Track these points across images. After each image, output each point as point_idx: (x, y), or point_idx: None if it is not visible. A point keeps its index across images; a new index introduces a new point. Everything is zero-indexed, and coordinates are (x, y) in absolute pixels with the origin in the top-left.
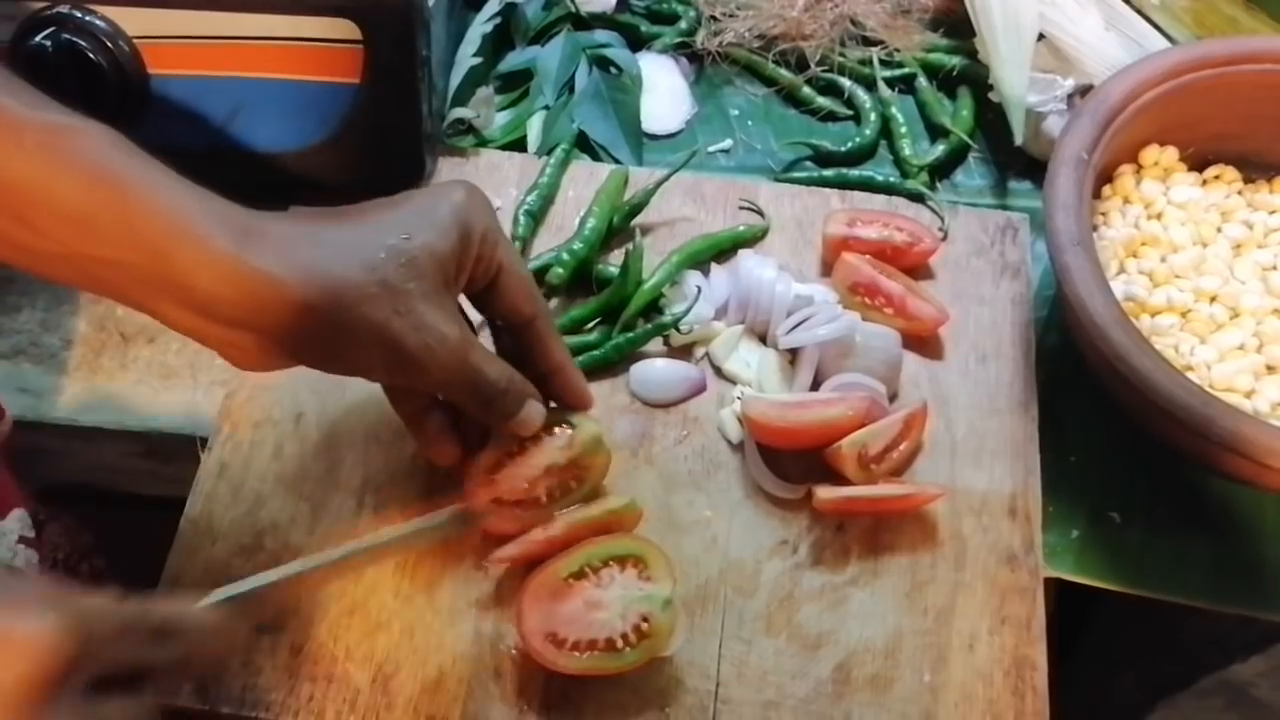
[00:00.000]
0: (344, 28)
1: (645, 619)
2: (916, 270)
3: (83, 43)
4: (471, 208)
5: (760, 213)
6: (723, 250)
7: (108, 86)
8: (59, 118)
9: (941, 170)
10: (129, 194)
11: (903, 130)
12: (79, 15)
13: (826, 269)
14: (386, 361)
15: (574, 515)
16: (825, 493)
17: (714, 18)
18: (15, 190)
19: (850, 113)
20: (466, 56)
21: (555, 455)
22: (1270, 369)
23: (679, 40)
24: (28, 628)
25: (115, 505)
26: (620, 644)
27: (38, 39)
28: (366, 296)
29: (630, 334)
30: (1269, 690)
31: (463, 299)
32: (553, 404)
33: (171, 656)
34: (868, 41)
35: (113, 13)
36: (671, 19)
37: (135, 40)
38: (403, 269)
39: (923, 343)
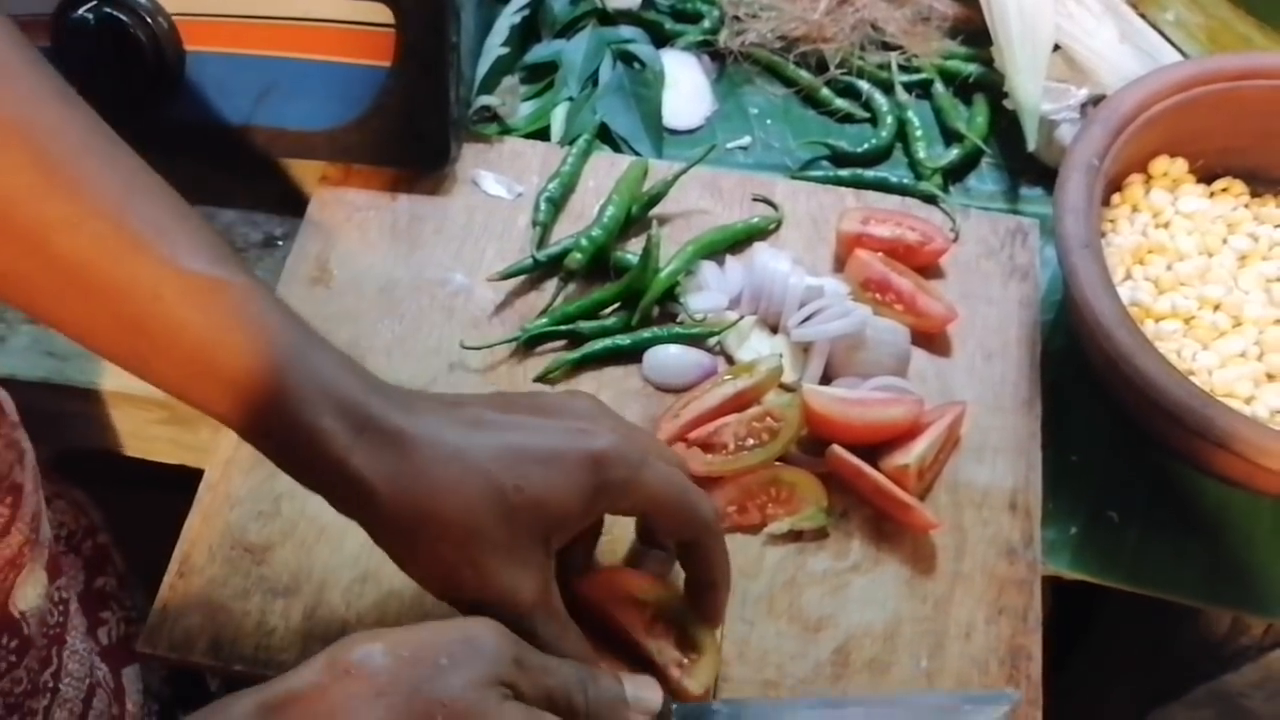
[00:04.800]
0: (377, 11)
1: (770, 415)
2: (927, 269)
3: (123, 17)
4: (612, 463)
5: (773, 205)
6: (738, 242)
7: (145, 60)
8: (220, 272)
9: (955, 174)
10: (277, 361)
11: (918, 134)
12: None
13: (839, 265)
14: (444, 592)
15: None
16: (840, 451)
17: (737, 18)
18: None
19: (867, 115)
20: (494, 46)
21: (741, 386)
22: (1270, 376)
23: (702, 39)
24: (484, 631)
25: (125, 482)
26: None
27: (80, 12)
28: (448, 536)
29: (654, 330)
30: (1261, 701)
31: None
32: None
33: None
34: (887, 46)
35: None
36: (695, 18)
37: (174, 16)
38: (497, 519)
39: (931, 339)
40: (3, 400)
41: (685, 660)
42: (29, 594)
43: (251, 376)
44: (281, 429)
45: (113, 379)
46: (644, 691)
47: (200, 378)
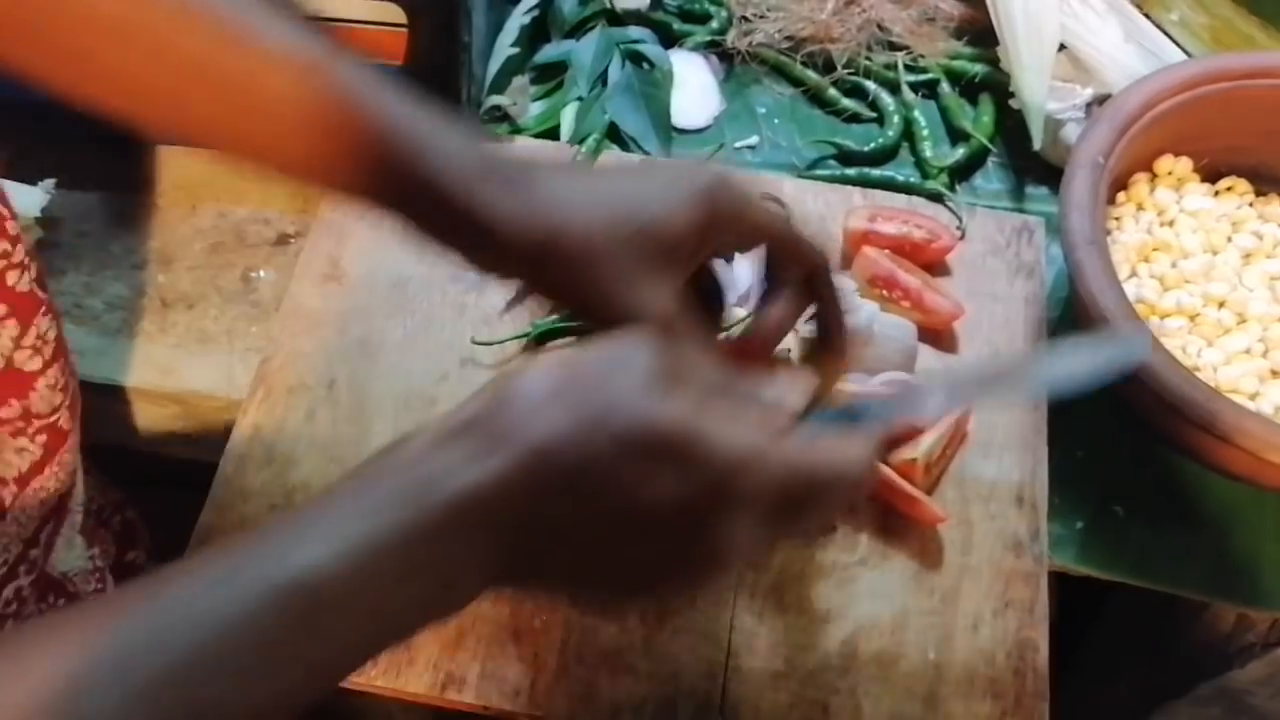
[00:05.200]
0: (390, 11)
1: None
2: (934, 267)
3: None
4: (725, 190)
5: (781, 203)
6: None
7: None
8: (327, 53)
9: (961, 173)
10: (400, 123)
11: (924, 133)
12: None
13: (846, 262)
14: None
15: None
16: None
17: (745, 18)
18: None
19: (874, 115)
20: (504, 46)
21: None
22: (1275, 373)
23: (710, 39)
24: (636, 337)
25: (140, 480)
26: None
27: None
28: (574, 263)
29: None
30: (1266, 699)
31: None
32: None
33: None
34: (894, 47)
35: None
36: (703, 18)
37: None
38: (620, 244)
39: (937, 336)
40: (72, 352)
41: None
42: (69, 557)
43: (379, 140)
44: (412, 184)
45: (129, 375)
46: (789, 391)
47: (328, 155)
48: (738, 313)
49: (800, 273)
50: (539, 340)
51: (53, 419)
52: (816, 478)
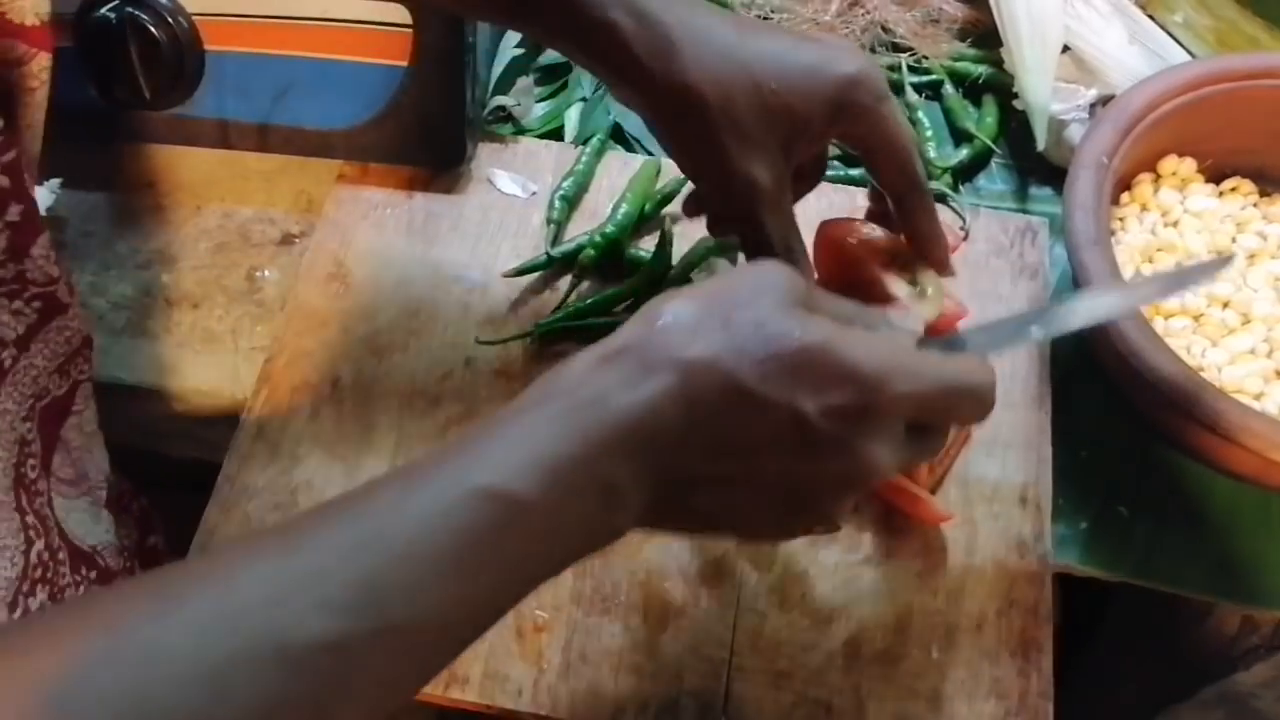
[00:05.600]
0: (395, 11)
1: None
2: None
3: (144, 16)
4: (861, 86)
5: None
6: None
7: (166, 60)
8: None
9: (965, 174)
10: None
11: (928, 134)
12: None
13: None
14: (695, 171)
15: None
16: None
17: None
18: None
19: None
20: (509, 47)
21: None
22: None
23: None
24: (765, 266)
25: (146, 476)
26: None
27: (102, 11)
28: (708, 120)
29: None
30: (1271, 701)
31: None
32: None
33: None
34: (897, 48)
35: None
36: None
37: (194, 16)
38: (751, 112)
39: (949, 329)
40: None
41: (916, 293)
42: (96, 530)
43: None
44: (578, 28)
45: (134, 374)
46: (908, 318)
47: None
48: None
49: (901, 187)
50: (543, 340)
51: (50, 288)
52: (953, 389)
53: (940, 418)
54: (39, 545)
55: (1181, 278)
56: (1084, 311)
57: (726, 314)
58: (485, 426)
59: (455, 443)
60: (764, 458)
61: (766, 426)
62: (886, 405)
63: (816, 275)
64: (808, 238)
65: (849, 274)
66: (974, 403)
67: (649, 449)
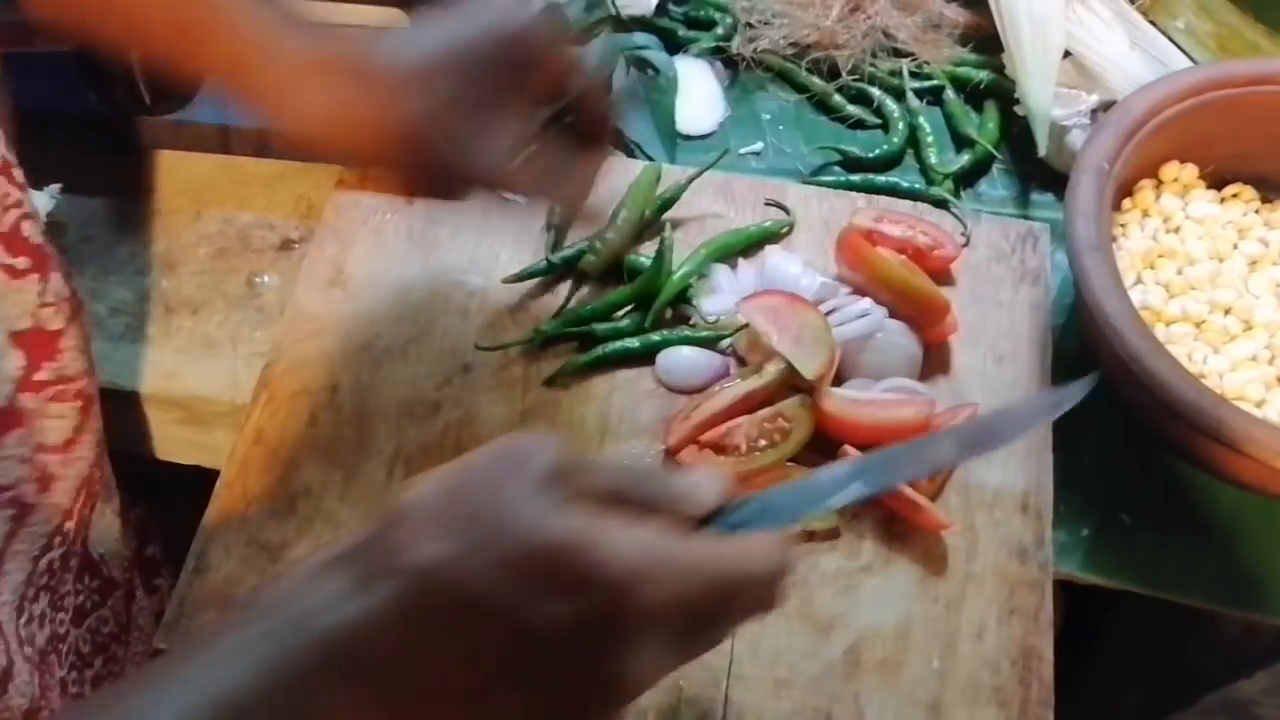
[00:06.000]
0: (393, 17)
1: (782, 416)
2: (937, 274)
3: None
4: (520, 38)
5: (785, 209)
6: (750, 245)
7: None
8: None
9: (966, 179)
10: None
11: (929, 140)
12: None
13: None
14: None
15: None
16: (852, 451)
17: (750, 25)
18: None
19: (879, 121)
20: None
21: (751, 387)
22: None
23: (715, 45)
24: (522, 443)
25: (146, 482)
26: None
27: None
28: (408, 102)
29: (665, 333)
30: (1273, 709)
31: None
32: None
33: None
34: (899, 53)
35: None
36: (708, 24)
37: None
38: (434, 103)
39: (941, 344)
40: (85, 310)
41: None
42: (107, 538)
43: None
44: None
45: (134, 380)
46: (702, 487)
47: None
48: (741, 318)
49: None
50: (542, 346)
51: (81, 383)
52: (726, 582)
53: (714, 613)
54: (54, 554)
55: (987, 435)
56: (912, 466)
57: (467, 506)
58: (183, 653)
59: (150, 671)
60: (504, 676)
61: (503, 644)
62: (639, 611)
63: (841, 274)
64: (819, 241)
65: (868, 273)
66: (754, 593)
67: (364, 672)
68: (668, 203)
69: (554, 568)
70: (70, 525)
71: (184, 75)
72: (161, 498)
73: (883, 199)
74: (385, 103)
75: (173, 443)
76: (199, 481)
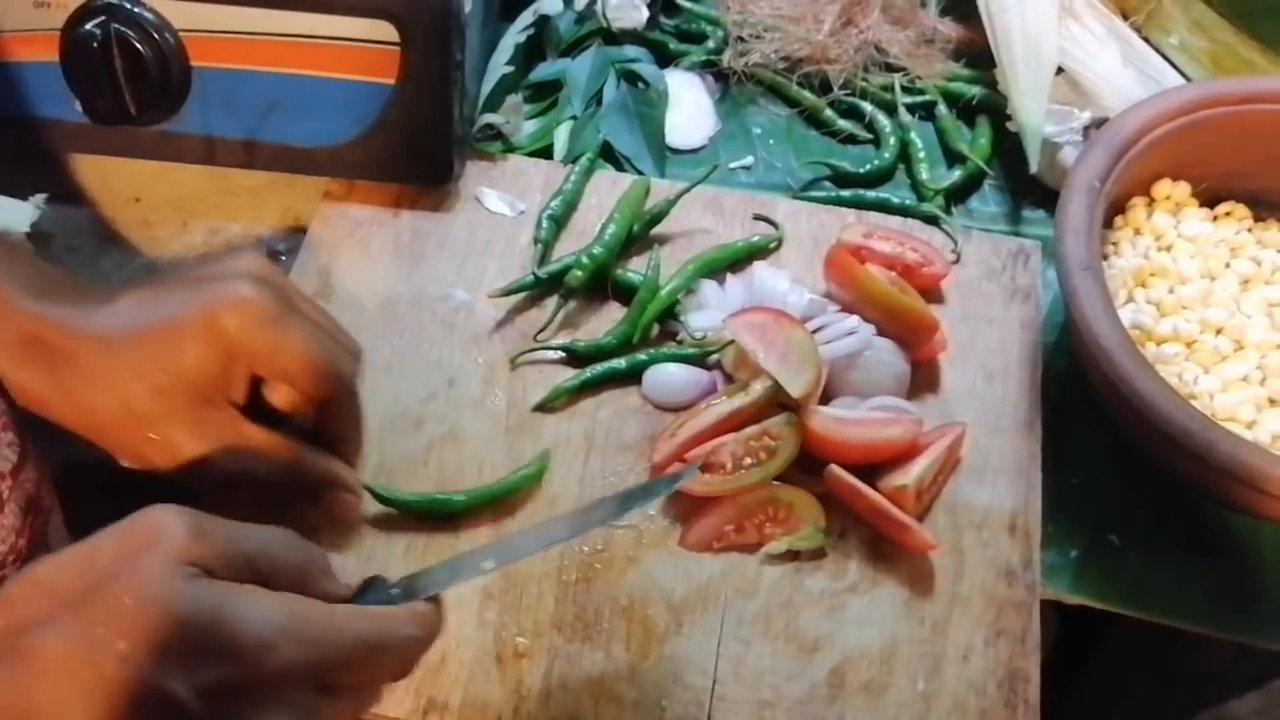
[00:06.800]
0: (382, 29)
1: (768, 434)
2: (927, 292)
3: (130, 32)
4: (240, 328)
5: (774, 224)
6: (738, 260)
7: (152, 75)
8: None
9: (957, 195)
10: None
11: (921, 155)
12: (128, 6)
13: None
14: (156, 470)
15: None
16: (838, 471)
17: (741, 38)
18: None
19: (870, 136)
20: (499, 65)
21: (738, 404)
22: (1272, 401)
23: (706, 59)
24: (154, 515)
25: (130, 492)
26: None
27: (88, 26)
28: (118, 427)
29: (650, 352)
30: None
31: None
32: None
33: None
34: (890, 68)
35: (160, 5)
36: (699, 38)
37: (180, 32)
38: (154, 401)
39: (930, 362)
40: None
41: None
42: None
43: None
44: None
45: None
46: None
47: None
48: (728, 334)
49: (321, 394)
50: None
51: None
52: (364, 647)
53: (355, 678)
54: (6, 570)
55: (630, 499)
56: (534, 543)
57: (99, 579)
58: None
59: None
60: None
61: (136, 714)
62: (274, 675)
63: (830, 291)
64: (808, 256)
65: (856, 290)
66: (394, 659)
67: None
68: (656, 217)
69: (188, 639)
70: (22, 543)
71: None
72: (139, 507)
73: (873, 215)
74: (87, 381)
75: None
76: (185, 492)
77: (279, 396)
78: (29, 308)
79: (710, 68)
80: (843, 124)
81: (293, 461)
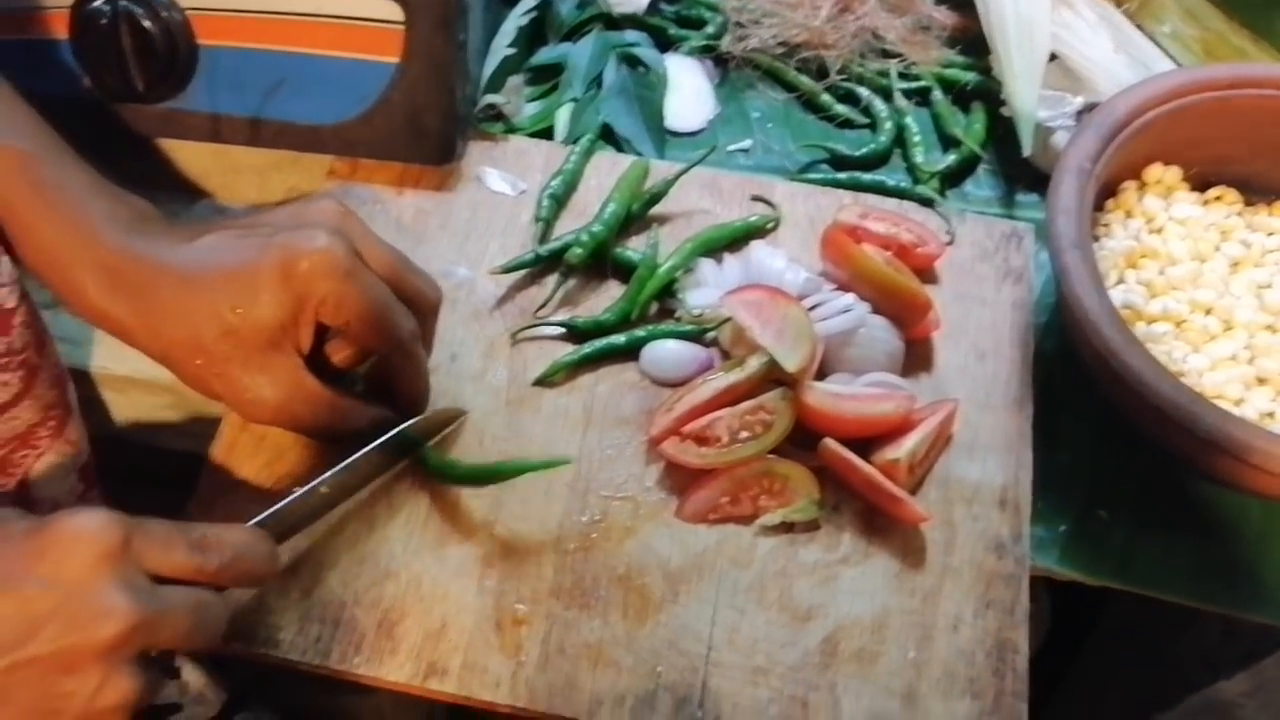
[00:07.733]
0: (387, 8)
1: (764, 408)
2: (921, 272)
3: (137, 10)
4: (311, 276)
5: (771, 204)
6: (736, 240)
7: (158, 52)
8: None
9: (952, 179)
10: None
11: (916, 139)
12: None
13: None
14: (218, 399)
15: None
16: (832, 444)
17: (740, 24)
18: None
19: (867, 121)
20: (501, 46)
21: (734, 380)
22: (1260, 380)
23: (705, 43)
24: (83, 519)
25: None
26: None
27: (96, 4)
28: (187, 359)
29: (649, 328)
30: (1255, 710)
31: None
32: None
33: (215, 566)
34: (887, 54)
35: None
36: (699, 23)
37: (187, 10)
38: (224, 340)
39: (923, 340)
40: (63, 341)
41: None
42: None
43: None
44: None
45: (121, 364)
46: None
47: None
48: (725, 312)
49: (382, 347)
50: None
51: (26, 354)
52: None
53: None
54: None
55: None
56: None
57: (12, 602)
58: None
59: None
60: None
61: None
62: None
63: (825, 270)
64: (804, 237)
65: (852, 269)
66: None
67: None
68: (655, 197)
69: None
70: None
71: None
72: (149, 483)
73: (869, 197)
74: (163, 313)
75: (160, 427)
76: (187, 466)
77: (339, 355)
78: (115, 240)
79: (709, 53)
80: (840, 109)
81: (343, 418)
